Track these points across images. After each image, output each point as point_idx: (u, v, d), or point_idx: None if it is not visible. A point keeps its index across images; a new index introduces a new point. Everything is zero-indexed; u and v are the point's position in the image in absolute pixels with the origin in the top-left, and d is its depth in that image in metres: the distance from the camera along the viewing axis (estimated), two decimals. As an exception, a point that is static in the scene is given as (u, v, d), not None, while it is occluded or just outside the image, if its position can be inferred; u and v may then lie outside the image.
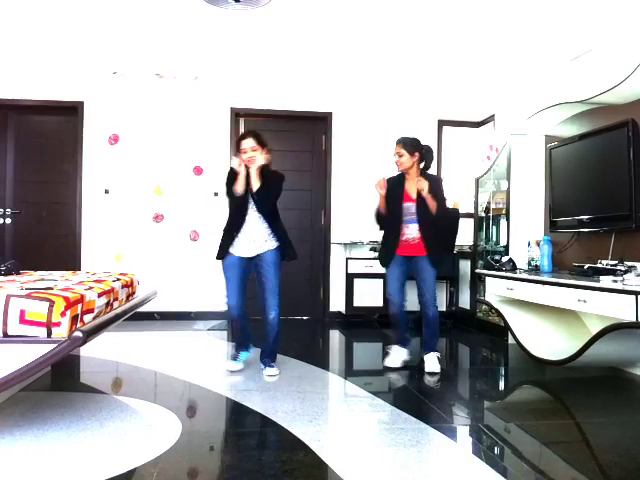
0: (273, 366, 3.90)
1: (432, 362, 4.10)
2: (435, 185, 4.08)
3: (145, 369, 4.02)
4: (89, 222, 6.16)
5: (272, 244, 3.85)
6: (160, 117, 6.29)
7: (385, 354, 4.35)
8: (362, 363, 4.51)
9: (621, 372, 4.01)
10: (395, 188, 4.13)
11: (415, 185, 4.02)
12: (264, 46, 5.51)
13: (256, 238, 3.83)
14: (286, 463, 2.33)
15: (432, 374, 4.01)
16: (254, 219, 3.83)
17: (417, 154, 4.09)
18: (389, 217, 4.15)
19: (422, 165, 4.17)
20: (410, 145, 4.07)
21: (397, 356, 4.23)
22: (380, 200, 4.15)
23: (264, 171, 3.83)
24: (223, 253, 3.86)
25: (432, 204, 3.98)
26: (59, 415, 2.86)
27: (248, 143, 3.78)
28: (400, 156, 4.08)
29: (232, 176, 3.83)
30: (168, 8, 4.62)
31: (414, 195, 4.06)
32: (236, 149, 3.96)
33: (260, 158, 3.77)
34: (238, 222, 3.83)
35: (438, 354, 4.19)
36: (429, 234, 4.04)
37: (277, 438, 2.66)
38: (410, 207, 4.08)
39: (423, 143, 4.17)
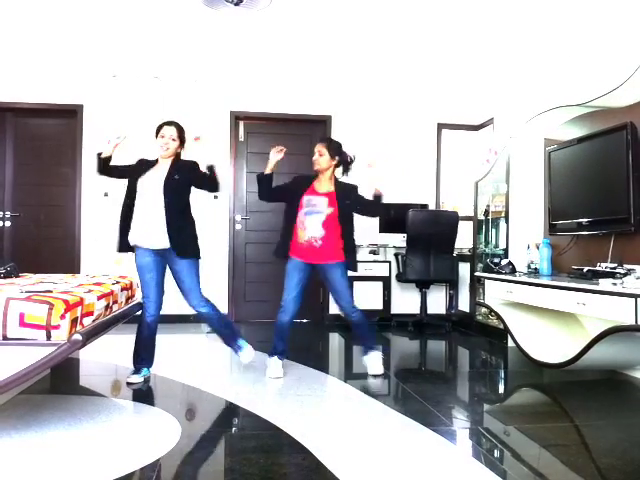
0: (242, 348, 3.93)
1: (373, 363, 4.01)
2: (348, 189, 3.98)
3: (144, 372, 4.02)
4: (88, 225, 6.16)
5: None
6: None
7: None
8: (361, 366, 4.49)
9: (620, 375, 4.01)
10: (303, 182, 4.00)
11: (325, 185, 3.93)
12: (264, 49, 5.52)
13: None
14: (285, 466, 2.33)
15: (375, 376, 3.94)
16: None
17: (336, 158, 3.97)
18: (288, 215, 3.96)
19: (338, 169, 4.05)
20: (334, 148, 3.98)
21: (277, 367, 3.89)
22: (268, 163, 4.05)
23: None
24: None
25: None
26: (58, 418, 2.86)
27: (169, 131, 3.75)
28: (320, 155, 3.94)
29: None
30: (168, 11, 4.63)
31: (321, 191, 3.90)
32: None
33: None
34: None
35: (379, 350, 4.12)
36: (343, 233, 3.87)
37: (276, 441, 2.65)
38: (312, 199, 3.85)
39: (350, 153, 4.08)
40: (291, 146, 6.57)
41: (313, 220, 3.80)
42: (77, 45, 5.44)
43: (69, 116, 6.19)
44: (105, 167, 3.87)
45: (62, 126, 6.28)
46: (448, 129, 6.86)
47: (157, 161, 3.81)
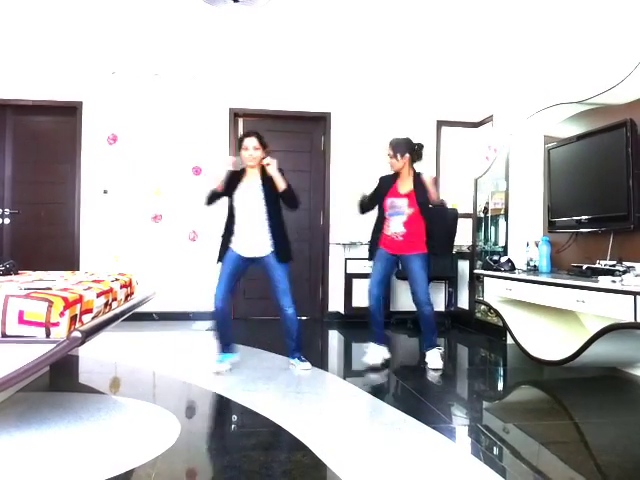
0: (304, 360, 4.02)
1: (433, 358, 4.19)
2: (420, 182, 4.16)
3: (144, 369, 4.02)
4: (88, 222, 6.16)
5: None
6: (159, 117, 6.29)
7: (364, 352, 4.38)
8: (361, 363, 4.50)
9: (619, 372, 4.01)
10: (386, 185, 4.27)
11: (406, 183, 4.18)
12: (262, 46, 5.51)
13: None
14: (284, 463, 2.34)
15: (435, 370, 4.10)
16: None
17: (407, 155, 4.17)
18: (378, 212, 4.31)
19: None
20: (401, 148, 4.17)
21: (376, 354, 4.27)
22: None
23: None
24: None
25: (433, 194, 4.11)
26: (57, 415, 2.86)
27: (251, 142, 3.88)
28: (390, 157, 4.19)
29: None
30: (167, 8, 4.63)
31: (402, 192, 4.17)
32: (237, 148, 4.04)
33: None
34: None
35: (440, 349, 4.27)
36: (416, 229, 4.14)
37: (276, 438, 2.66)
38: (394, 201, 4.17)
39: (416, 141, 4.28)
40: (290, 143, 6.61)
41: (396, 220, 4.16)
42: (76, 42, 5.43)
43: (68, 113, 6.18)
44: (214, 198, 3.99)
45: (61, 123, 6.27)
46: (447, 126, 6.85)
47: (244, 172, 3.97)
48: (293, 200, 3.95)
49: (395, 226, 4.15)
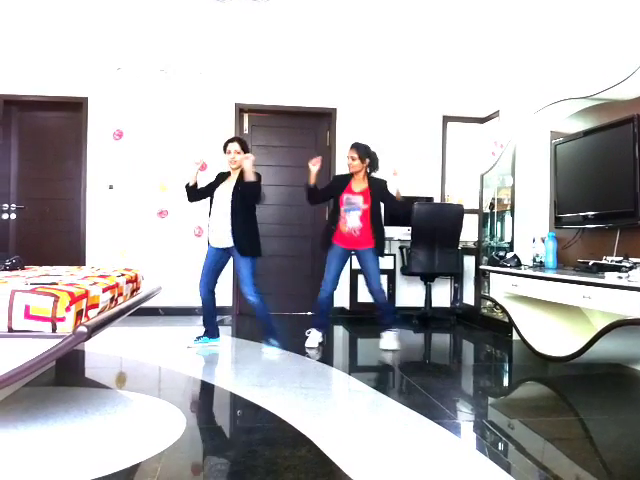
0: (273, 344, 4.39)
1: (389, 340, 4.62)
2: (379, 186, 4.61)
3: (149, 364, 4.04)
4: (93, 218, 6.17)
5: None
6: (164, 113, 6.29)
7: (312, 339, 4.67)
8: (366, 359, 4.51)
9: (625, 369, 4.00)
10: (341, 183, 4.64)
11: (360, 184, 4.58)
12: (268, 41, 5.51)
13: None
14: (289, 459, 2.34)
15: (392, 351, 4.55)
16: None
17: (368, 160, 4.60)
18: (333, 208, 4.67)
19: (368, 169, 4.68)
20: (363, 151, 4.59)
21: (314, 338, 4.63)
22: (310, 175, 4.53)
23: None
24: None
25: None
26: (63, 410, 2.87)
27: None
28: (353, 159, 4.56)
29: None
30: (173, 3, 4.62)
31: (357, 190, 4.55)
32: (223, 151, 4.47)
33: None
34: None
35: (396, 332, 4.67)
36: (373, 224, 4.52)
37: (280, 434, 2.66)
38: (350, 197, 4.54)
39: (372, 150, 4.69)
40: (295, 139, 6.60)
41: (353, 215, 4.50)
42: (82, 38, 5.44)
43: (74, 109, 6.19)
44: (195, 194, 4.52)
45: (67, 119, 6.29)
46: (454, 122, 6.83)
47: (229, 173, 4.45)
48: (253, 193, 4.28)
49: (352, 221, 4.49)
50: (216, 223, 4.32)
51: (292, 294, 6.39)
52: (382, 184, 4.65)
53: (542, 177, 5.09)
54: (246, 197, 4.28)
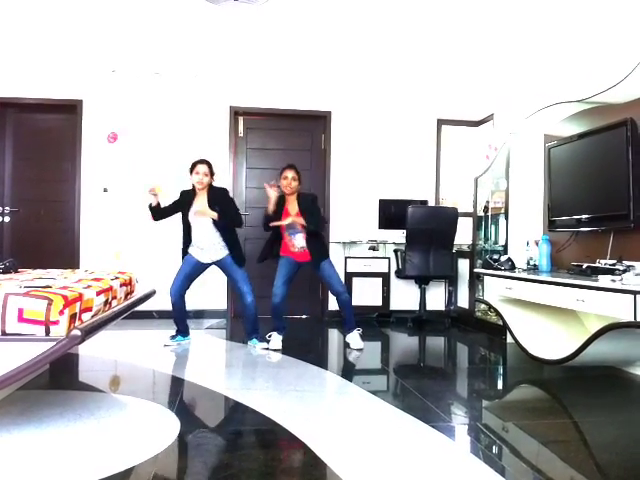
0: (262, 340, 4.71)
1: (355, 339, 4.79)
2: (310, 202, 4.79)
3: (143, 368, 4.03)
4: (88, 220, 6.16)
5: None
6: (159, 115, 6.29)
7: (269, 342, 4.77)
8: (361, 362, 4.50)
9: (619, 371, 4.01)
10: (279, 207, 4.72)
11: (294, 205, 4.73)
12: (263, 44, 5.51)
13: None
14: (284, 461, 2.34)
15: (358, 350, 4.71)
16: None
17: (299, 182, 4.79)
18: (274, 229, 4.77)
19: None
20: (299, 173, 4.76)
21: (277, 341, 4.74)
22: (269, 203, 4.69)
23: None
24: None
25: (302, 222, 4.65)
26: (57, 413, 2.86)
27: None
28: (294, 180, 4.70)
29: None
30: (167, 6, 4.62)
31: (293, 213, 4.69)
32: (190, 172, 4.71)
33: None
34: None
35: (359, 331, 4.86)
36: (313, 241, 4.73)
37: (275, 437, 2.66)
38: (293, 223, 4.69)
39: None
40: (290, 142, 6.61)
41: (298, 238, 4.72)
42: (77, 40, 5.43)
43: (69, 111, 6.18)
44: (158, 213, 4.80)
45: (62, 121, 6.28)
46: (448, 125, 6.85)
47: (195, 192, 4.69)
48: (235, 224, 4.67)
49: (299, 242, 4.72)
50: (204, 241, 4.61)
51: (290, 297, 6.32)
52: (310, 198, 4.85)
53: (536, 180, 5.11)
54: (229, 225, 4.63)
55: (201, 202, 4.62)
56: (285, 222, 4.62)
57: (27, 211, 6.23)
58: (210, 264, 4.71)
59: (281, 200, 4.74)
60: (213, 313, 6.27)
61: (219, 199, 4.63)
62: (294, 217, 4.63)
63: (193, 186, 4.68)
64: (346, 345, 4.84)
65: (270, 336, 4.76)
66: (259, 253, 4.95)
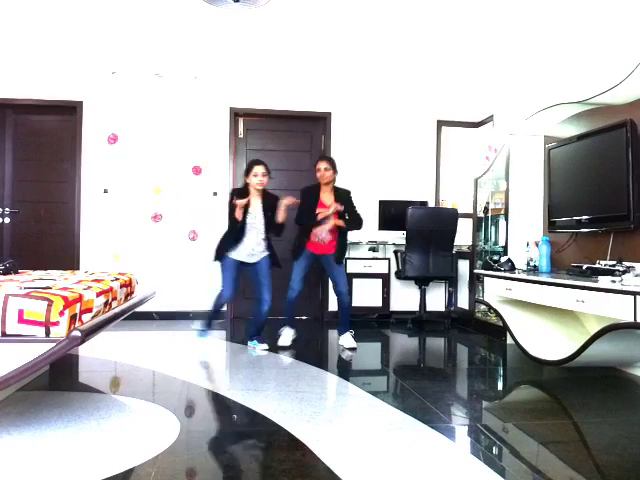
0: (263, 342, 4.73)
1: (348, 340, 4.85)
2: (347, 200, 4.84)
3: (143, 369, 4.02)
4: (88, 222, 6.16)
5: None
6: (159, 117, 6.29)
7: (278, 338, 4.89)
8: (361, 363, 4.51)
9: (619, 372, 4.02)
10: (312, 196, 4.79)
11: (328, 195, 4.79)
12: (263, 46, 5.51)
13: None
14: (284, 462, 2.34)
15: (352, 349, 4.78)
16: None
17: (337, 171, 4.85)
18: (306, 219, 4.78)
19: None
20: (334, 164, 4.82)
21: (288, 336, 4.89)
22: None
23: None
24: None
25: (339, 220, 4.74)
26: (57, 415, 2.86)
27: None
28: (327, 170, 4.75)
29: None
30: (167, 8, 4.62)
31: (328, 204, 4.72)
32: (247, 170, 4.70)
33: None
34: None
35: (352, 332, 4.94)
36: (342, 237, 4.81)
37: (275, 438, 2.66)
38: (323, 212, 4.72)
39: None
40: (290, 143, 6.61)
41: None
42: (77, 41, 5.43)
43: (69, 112, 6.18)
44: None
45: (62, 122, 6.28)
46: (448, 126, 6.86)
47: (248, 191, 4.65)
48: (279, 231, 4.74)
49: (324, 233, 4.72)
50: (251, 241, 4.62)
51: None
52: (347, 197, 4.88)
53: (536, 181, 5.11)
54: (271, 230, 4.70)
55: (256, 205, 4.65)
56: (330, 211, 4.64)
57: (27, 212, 6.23)
58: (248, 265, 4.72)
59: (314, 190, 4.82)
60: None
61: (272, 202, 4.69)
62: (334, 209, 4.64)
63: (245, 186, 4.67)
64: (340, 346, 4.88)
65: (282, 331, 4.90)
66: (292, 250, 4.93)
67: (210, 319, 4.94)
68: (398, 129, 6.68)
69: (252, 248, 4.64)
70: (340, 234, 4.78)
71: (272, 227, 4.67)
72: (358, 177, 6.49)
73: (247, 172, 4.64)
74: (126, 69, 6.12)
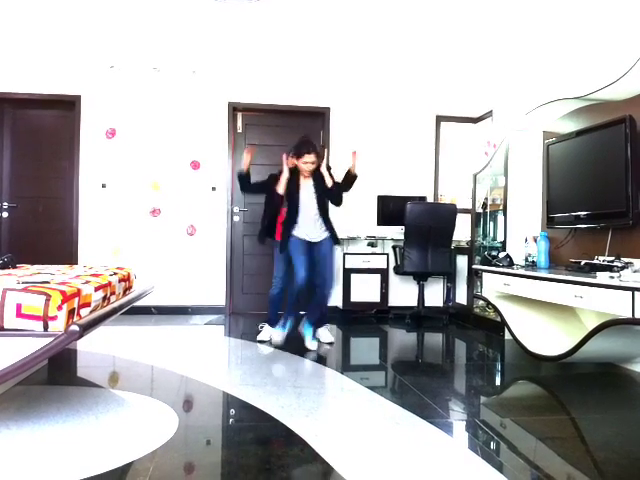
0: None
1: (325, 334, 4.86)
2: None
3: (142, 363, 4.02)
4: (86, 216, 6.15)
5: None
6: (157, 111, 6.28)
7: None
8: (359, 358, 4.52)
9: (617, 368, 4.02)
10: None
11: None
12: (262, 40, 5.50)
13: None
14: (282, 457, 2.34)
15: (330, 344, 4.78)
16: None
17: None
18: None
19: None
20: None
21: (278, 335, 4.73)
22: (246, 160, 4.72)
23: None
24: None
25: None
26: (55, 409, 2.86)
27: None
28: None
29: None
30: (166, 1, 4.61)
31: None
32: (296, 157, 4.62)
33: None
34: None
35: (327, 327, 4.95)
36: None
37: (273, 433, 2.66)
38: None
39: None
40: (289, 138, 6.57)
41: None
42: (75, 36, 5.42)
43: (67, 107, 6.17)
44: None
45: (60, 117, 6.27)
46: (447, 121, 6.85)
47: (296, 176, 4.66)
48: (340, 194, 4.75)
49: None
50: (309, 222, 4.63)
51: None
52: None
53: (535, 177, 5.11)
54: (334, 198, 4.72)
55: (307, 186, 4.65)
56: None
57: (25, 207, 6.22)
58: (314, 243, 4.68)
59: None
60: (211, 309, 6.27)
61: (320, 180, 4.64)
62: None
63: (295, 167, 4.64)
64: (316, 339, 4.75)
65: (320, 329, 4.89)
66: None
67: (290, 314, 4.75)
68: (397, 124, 6.67)
69: (313, 229, 4.65)
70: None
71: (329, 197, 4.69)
72: (357, 172, 6.47)
73: (297, 155, 4.59)
74: (124, 63, 6.09)
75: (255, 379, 3.59)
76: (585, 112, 4.48)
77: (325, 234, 4.69)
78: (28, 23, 5.11)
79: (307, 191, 4.66)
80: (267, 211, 4.88)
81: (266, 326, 4.90)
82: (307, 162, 4.54)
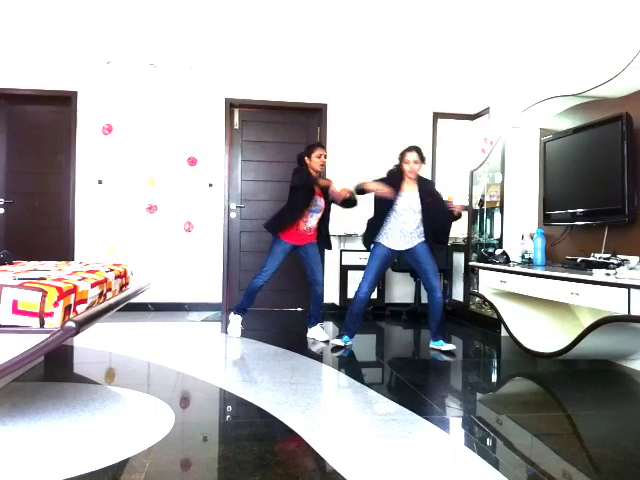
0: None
1: (319, 332, 4.84)
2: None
3: (138, 360, 4.02)
4: (82, 213, 6.14)
5: None
6: (154, 107, 6.26)
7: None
8: (356, 355, 4.51)
9: (613, 365, 4.03)
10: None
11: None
12: (259, 36, 5.49)
13: None
14: (279, 454, 2.34)
15: (326, 342, 4.74)
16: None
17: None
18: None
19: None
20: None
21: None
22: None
23: None
24: None
25: None
26: (52, 405, 2.86)
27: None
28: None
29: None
30: (162, -3, 4.60)
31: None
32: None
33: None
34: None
35: (322, 325, 4.92)
36: (326, 225, 4.99)
37: (270, 429, 2.66)
38: (316, 199, 4.79)
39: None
40: (286, 134, 6.59)
41: (315, 217, 4.80)
42: (71, 31, 5.40)
43: (63, 103, 6.15)
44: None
45: (56, 113, 6.25)
46: (444, 118, 6.84)
47: (401, 177, 4.52)
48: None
49: (313, 222, 4.82)
50: (408, 227, 4.47)
51: (285, 290, 6.38)
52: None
53: (531, 174, 5.11)
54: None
55: (410, 189, 4.50)
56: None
57: (21, 203, 6.20)
58: (400, 252, 4.57)
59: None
60: (208, 305, 6.26)
61: (430, 188, 4.58)
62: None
63: (399, 168, 4.54)
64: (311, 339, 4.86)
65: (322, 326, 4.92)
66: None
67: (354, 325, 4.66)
68: (394, 121, 6.66)
69: (411, 235, 4.50)
70: (324, 223, 4.86)
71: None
72: (353, 168, 6.47)
73: (401, 157, 4.55)
74: (121, 59, 6.07)
75: (252, 375, 3.60)
76: (582, 109, 4.48)
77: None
78: (24, 19, 5.09)
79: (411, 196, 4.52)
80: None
81: (233, 315, 4.95)
82: (409, 161, 4.47)
